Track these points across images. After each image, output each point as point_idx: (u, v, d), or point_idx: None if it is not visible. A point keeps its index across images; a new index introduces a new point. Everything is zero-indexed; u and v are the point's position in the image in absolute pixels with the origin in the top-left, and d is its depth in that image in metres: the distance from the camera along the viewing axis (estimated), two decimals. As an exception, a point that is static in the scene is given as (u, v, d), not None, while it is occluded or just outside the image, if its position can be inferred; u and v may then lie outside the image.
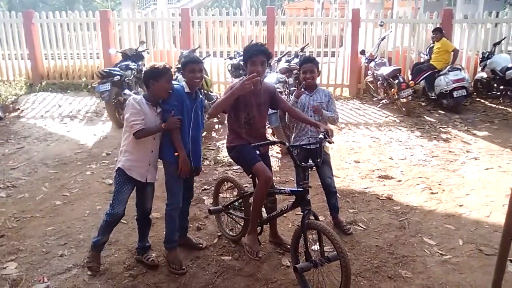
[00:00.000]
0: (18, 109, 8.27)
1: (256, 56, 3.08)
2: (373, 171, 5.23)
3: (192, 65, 3.14)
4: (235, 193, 3.66)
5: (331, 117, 3.71)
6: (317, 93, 3.75)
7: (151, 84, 3.08)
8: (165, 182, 3.23)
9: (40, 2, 33.92)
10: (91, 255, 3.18)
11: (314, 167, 3.01)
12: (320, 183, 3.80)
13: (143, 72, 3.22)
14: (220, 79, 9.71)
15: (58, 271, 3.16)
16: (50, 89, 9.62)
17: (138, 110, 3.04)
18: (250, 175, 3.23)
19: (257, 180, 3.11)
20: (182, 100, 3.11)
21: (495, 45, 8.70)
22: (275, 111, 5.33)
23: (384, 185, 4.83)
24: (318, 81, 9.13)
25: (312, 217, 2.87)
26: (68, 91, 9.54)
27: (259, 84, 3.21)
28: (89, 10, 10.28)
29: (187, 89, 3.16)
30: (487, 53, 8.61)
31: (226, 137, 3.37)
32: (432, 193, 4.58)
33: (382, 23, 9.16)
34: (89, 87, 9.42)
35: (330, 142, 3.13)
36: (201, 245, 3.47)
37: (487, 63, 8.43)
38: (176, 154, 3.08)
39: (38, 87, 9.64)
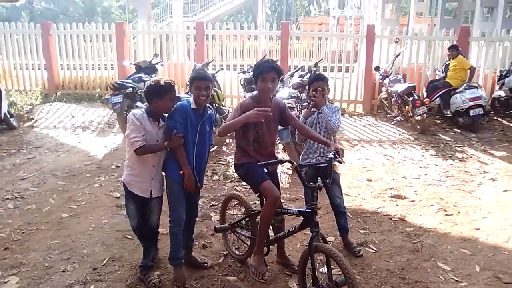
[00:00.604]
0: (33, 118, 8.36)
1: (267, 72, 3.01)
2: (386, 190, 5.10)
3: (198, 82, 3.07)
4: (242, 210, 3.58)
5: (330, 120, 3.55)
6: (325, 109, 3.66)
7: (154, 102, 3.03)
8: (167, 197, 3.17)
9: (60, 14, 34.72)
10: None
11: (323, 187, 2.92)
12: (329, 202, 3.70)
13: (145, 87, 3.14)
14: (233, 93, 9.69)
15: (59, 287, 3.09)
16: (64, 99, 9.72)
17: (138, 126, 2.99)
18: (258, 193, 3.15)
19: (264, 199, 3.02)
20: (187, 116, 3.05)
21: (513, 63, 8.52)
22: (286, 127, 5.27)
23: (397, 205, 4.69)
24: (331, 96, 9.16)
25: (320, 239, 2.76)
26: (82, 101, 9.63)
27: (269, 101, 3.14)
28: (106, 23, 10.40)
29: (193, 105, 3.09)
30: (505, 71, 8.44)
31: (234, 154, 3.30)
32: (447, 214, 4.43)
33: (397, 40, 9.07)
34: (102, 98, 9.49)
35: (340, 162, 3.04)
36: (206, 264, 3.38)
37: (505, 82, 8.25)
38: (181, 172, 3.02)
39: (53, 97, 9.75)
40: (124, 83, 7.02)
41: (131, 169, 3.12)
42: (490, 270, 3.37)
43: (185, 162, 3.03)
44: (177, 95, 3.29)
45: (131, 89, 6.92)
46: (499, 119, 8.51)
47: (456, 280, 3.25)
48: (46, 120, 8.29)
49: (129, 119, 3.03)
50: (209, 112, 3.21)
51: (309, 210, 2.84)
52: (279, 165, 3.19)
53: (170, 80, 3.11)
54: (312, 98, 3.64)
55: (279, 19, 34.14)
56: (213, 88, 7.08)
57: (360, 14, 20.94)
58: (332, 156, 2.96)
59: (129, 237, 3.87)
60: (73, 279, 3.19)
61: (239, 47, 10.19)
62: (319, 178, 2.94)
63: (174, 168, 3.08)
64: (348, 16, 22.89)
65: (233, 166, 3.32)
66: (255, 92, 3.28)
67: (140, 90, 7.21)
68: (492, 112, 8.73)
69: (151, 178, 3.10)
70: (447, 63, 8.49)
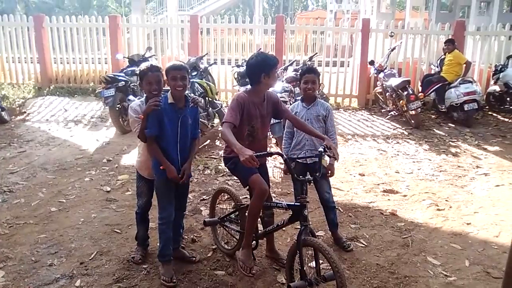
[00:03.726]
0: (25, 112, 8.29)
1: (274, 68, 3.00)
2: (378, 185, 5.08)
3: (174, 72, 2.96)
4: (233, 204, 3.54)
5: (334, 140, 3.53)
6: (316, 105, 3.59)
7: (140, 85, 3.17)
8: (156, 194, 3.15)
9: (55, 7, 34.40)
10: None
11: (312, 181, 2.89)
12: (320, 197, 3.67)
13: (138, 72, 3.24)
14: (227, 87, 9.64)
15: (45, 282, 3.06)
16: (58, 93, 9.64)
17: (134, 118, 3.11)
18: (247, 187, 3.12)
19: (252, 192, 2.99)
20: (162, 113, 2.96)
21: (508, 58, 8.50)
22: (279, 120, 5.23)
23: (389, 199, 4.67)
24: (326, 90, 9.13)
25: (309, 233, 2.74)
26: (76, 95, 9.56)
27: (263, 96, 3.11)
28: (100, 16, 10.30)
29: (170, 100, 3.00)
30: (500, 66, 8.42)
31: (224, 147, 3.26)
32: (438, 209, 4.41)
33: (392, 34, 9.02)
34: (96, 92, 9.41)
35: (330, 156, 3.00)
36: (194, 258, 3.35)
37: (500, 76, 8.24)
38: (161, 167, 2.99)
39: (46, 91, 9.67)
40: (117, 77, 6.96)
41: (140, 154, 3.26)
42: (479, 265, 3.35)
43: (161, 157, 3.00)
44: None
45: (123, 82, 6.86)
46: (494, 114, 8.51)
47: (445, 275, 3.23)
48: (38, 114, 8.22)
49: (129, 111, 3.18)
50: (190, 104, 3.10)
51: (298, 204, 2.81)
52: (269, 157, 3.15)
53: (154, 64, 3.13)
54: (303, 91, 3.60)
55: (276, 13, 33.95)
56: (206, 82, 7.05)
57: (357, 9, 20.84)
58: (322, 150, 2.92)
59: (118, 231, 3.84)
60: (60, 273, 3.16)
61: (234, 41, 10.12)
62: (308, 172, 2.91)
63: (156, 165, 3.05)
64: (346, 10, 22.81)
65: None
66: (248, 86, 3.24)
67: (132, 84, 7.16)
68: (487, 107, 8.73)
69: None
70: (442, 57, 8.46)
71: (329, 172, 3.50)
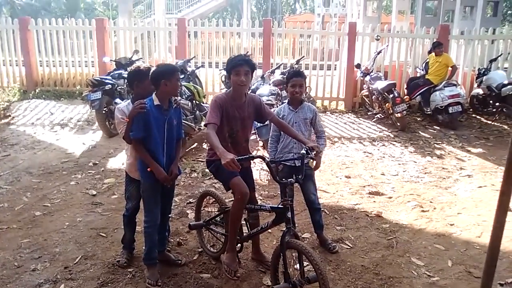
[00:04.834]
0: (9, 115, 8.18)
1: (240, 66, 2.98)
2: (364, 187, 5.12)
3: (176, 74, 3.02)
4: (218, 208, 3.55)
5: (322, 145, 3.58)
6: (302, 109, 3.63)
7: (135, 86, 3.14)
8: (142, 198, 3.14)
9: (42, 10, 34.04)
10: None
11: (297, 184, 2.91)
12: (306, 199, 3.69)
13: (127, 73, 3.25)
14: (215, 90, 9.64)
15: (28, 287, 3.03)
16: (44, 96, 9.54)
17: (120, 119, 3.11)
18: (231, 191, 3.12)
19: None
20: (148, 115, 2.96)
21: (491, 61, 8.66)
22: (266, 123, 5.25)
23: (374, 201, 4.72)
24: (313, 93, 9.19)
25: (293, 235, 2.75)
26: (62, 98, 9.47)
27: (244, 97, 3.12)
28: (86, 19, 10.23)
29: (156, 102, 3.00)
30: (483, 70, 8.57)
31: (207, 151, 3.27)
32: (423, 211, 4.47)
33: (378, 37, 9.13)
34: (82, 95, 9.31)
35: (312, 159, 3.03)
36: (179, 262, 3.35)
37: (483, 80, 8.38)
38: (148, 169, 2.98)
39: (32, 94, 9.56)
40: (103, 80, 6.91)
41: (128, 157, 3.26)
42: (462, 265, 3.41)
43: (149, 159, 2.99)
44: None
45: (110, 85, 6.81)
46: (477, 117, 8.65)
47: (429, 275, 3.28)
48: (23, 117, 8.13)
49: (115, 113, 3.20)
50: (173, 106, 3.11)
51: (281, 206, 2.83)
52: (252, 160, 3.16)
53: (151, 66, 3.14)
54: (291, 94, 3.63)
55: (264, 17, 34.07)
56: (193, 85, 7.05)
57: (345, 12, 21.00)
58: (305, 152, 2.95)
59: (103, 235, 3.82)
60: (43, 278, 3.13)
61: (222, 45, 10.14)
62: (294, 175, 2.94)
63: (143, 168, 3.04)
64: (333, 14, 22.97)
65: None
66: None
67: (119, 87, 7.12)
68: (470, 109, 8.87)
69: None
70: (427, 60, 8.58)
71: (314, 164, 3.51)
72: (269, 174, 5.45)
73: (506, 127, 7.97)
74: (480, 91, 8.54)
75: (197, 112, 6.68)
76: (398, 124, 7.74)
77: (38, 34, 9.84)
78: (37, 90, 9.76)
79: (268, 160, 2.86)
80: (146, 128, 2.97)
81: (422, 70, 8.70)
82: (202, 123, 6.87)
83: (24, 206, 4.42)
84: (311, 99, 8.55)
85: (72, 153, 6.21)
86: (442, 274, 3.29)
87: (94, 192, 4.79)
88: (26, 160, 5.86)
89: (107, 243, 3.68)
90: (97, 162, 5.81)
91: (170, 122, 3.07)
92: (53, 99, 9.44)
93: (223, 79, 8.10)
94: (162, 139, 3.03)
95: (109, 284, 3.09)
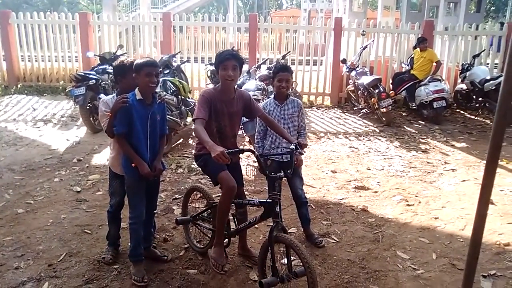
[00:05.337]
0: (-10, 111, 8.02)
1: (228, 60, 2.95)
2: (350, 181, 5.15)
3: (148, 68, 2.89)
4: (205, 203, 3.53)
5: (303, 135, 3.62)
6: (288, 104, 3.62)
7: (119, 81, 3.13)
8: (126, 194, 3.10)
9: (24, 3, 33.39)
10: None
11: (285, 178, 2.91)
12: (294, 194, 3.70)
13: (112, 67, 3.22)
14: (201, 85, 9.59)
15: (11, 285, 2.97)
16: (26, 91, 9.38)
17: (103, 112, 3.09)
18: (219, 186, 3.11)
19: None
20: (131, 109, 2.91)
21: (474, 57, 8.79)
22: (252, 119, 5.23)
23: (360, 196, 4.75)
24: (299, 89, 9.20)
25: (280, 230, 2.75)
26: (45, 94, 9.32)
27: (233, 92, 3.10)
28: (70, 13, 10.05)
29: (139, 96, 2.95)
30: (467, 65, 8.68)
31: (195, 145, 3.25)
32: (408, 205, 4.52)
33: (364, 32, 9.17)
34: (66, 90, 9.17)
35: (301, 154, 3.03)
36: (166, 258, 3.32)
37: (467, 75, 8.50)
38: (133, 165, 2.95)
39: (14, 90, 9.40)
40: (87, 75, 6.82)
41: (112, 151, 3.22)
42: (446, 258, 3.46)
43: (132, 154, 2.95)
44: None
45: (94, 81, 6.73)
46: (461, 112, 8.78)
47: (414, 268, 3.31)
48: (4, 113, 7.97)
49: (99, 106, 3.17)
50: (157, 101, 3.07)
51: (270, 200, 2.83)
52: (242, 155, 3.15)
53: (135, 60, 3.08)
54: (277, 89, 3.60)
55: (251, 12, 33.94)
56: (179, 80, 6.99)
57: (331, 7, 21.07)
58: (294, 147, 2.95)
59: (88, 231, 3.77)
60: (26, 276, 3.08)
61: (208, 39, 10.07)
62: (282, 170, 2.94)
63: (127, 163, 3.00)
64: (319, 9, 23.04)
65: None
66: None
67: (104, 82, 7.03)
68: (455, 104, 8.99)
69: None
70: (412, 56, 8.66)
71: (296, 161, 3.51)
72: (256, 170, 5.46)
73: (488, 121, 8.10)
74: (464, 86, 8.66)
75: (183, 107, 6.63)
76: (384, 119, 7.81)
77: (20, 28, 9.65)
78: (19, 86, 9.59)
79: (257, 154, 2.85)
80: (129, 122, 2.93)
81: (407, 65, 8.78)
82: (188, 119, 6.83)
83: (6, 203, 4.33)
84: (297, 94, 8.56)
85: (56, 150, 6.11)
86: (426, 267, 3.33)
87: (79, 189, 4.72)
88: (8, 156, 5.75)
89: (92, 240, 3.64)
90: (82, 158, 5.73)
91: (154, 117, 3.02)
92: (36, 94, 9.29)
93: (209, 74, 8.05)
94: (145, 134, 2.99)
95: (94, 281, 3.05)
